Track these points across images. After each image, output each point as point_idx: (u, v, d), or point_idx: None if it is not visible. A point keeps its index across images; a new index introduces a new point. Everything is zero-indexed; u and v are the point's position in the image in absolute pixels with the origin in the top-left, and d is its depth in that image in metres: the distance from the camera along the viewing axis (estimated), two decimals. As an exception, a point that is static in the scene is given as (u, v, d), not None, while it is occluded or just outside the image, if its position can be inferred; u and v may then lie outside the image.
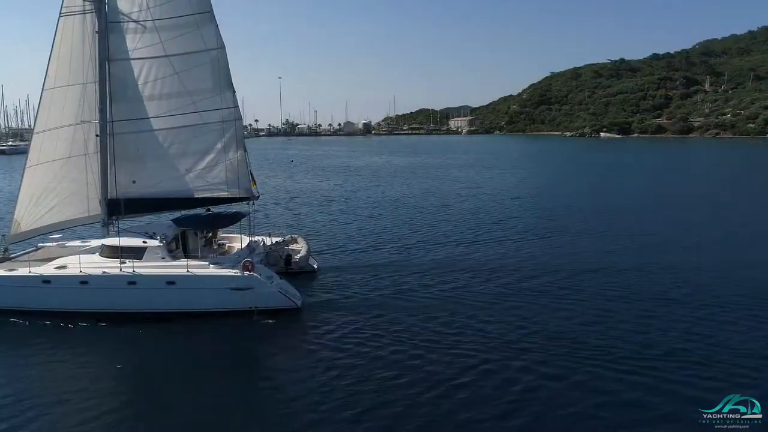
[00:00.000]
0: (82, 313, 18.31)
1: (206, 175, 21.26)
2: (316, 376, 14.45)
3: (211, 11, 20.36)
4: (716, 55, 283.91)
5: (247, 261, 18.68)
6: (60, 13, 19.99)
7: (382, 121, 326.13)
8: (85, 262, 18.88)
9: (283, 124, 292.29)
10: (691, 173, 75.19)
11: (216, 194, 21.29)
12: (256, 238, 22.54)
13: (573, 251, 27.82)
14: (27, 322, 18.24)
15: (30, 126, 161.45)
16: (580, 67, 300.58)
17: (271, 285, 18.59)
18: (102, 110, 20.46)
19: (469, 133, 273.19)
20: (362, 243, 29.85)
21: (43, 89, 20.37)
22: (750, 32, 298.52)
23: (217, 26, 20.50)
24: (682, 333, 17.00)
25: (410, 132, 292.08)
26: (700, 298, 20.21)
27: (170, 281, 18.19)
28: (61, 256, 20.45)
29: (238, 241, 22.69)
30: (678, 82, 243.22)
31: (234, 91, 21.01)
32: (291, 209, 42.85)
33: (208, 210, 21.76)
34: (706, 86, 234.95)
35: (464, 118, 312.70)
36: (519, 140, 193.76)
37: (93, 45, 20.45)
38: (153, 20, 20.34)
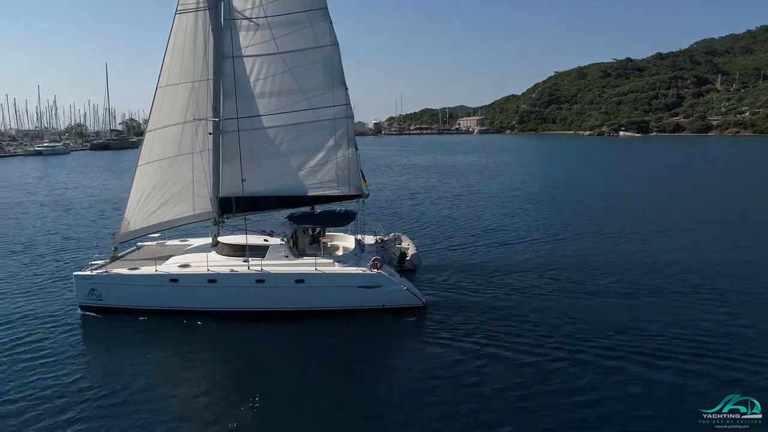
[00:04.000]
0: (208, 312, 18.23)
1: (317, 172, 21.13)
2: (453, 376, 14.33)
3: (325, 8, 20.19)
4: (719, 54, 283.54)
5: (376, 259, 18.55)
6: (176, 10, 19.88)
7: (385, 121, 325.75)
8: (207, 260, 18.75)
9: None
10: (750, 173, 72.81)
11: (326, 192, 21.14)
12: (359, 236, 22.39)
13: (688, 248, 27.69)
14: (154, 321, 18.18)
15: (46, 127, 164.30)
16: (584, 67, 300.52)
17: (400, 283, 18.45)
18: (216, 108, 20.36)
19: (481, 132, 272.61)
20: (455, 240, 30.10)
21: (156, 87, 20.28)
22: (749, 31, 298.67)
23: (331, 23, 20.34)
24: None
25: (420, 132, 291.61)
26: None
27: (299, 279, 18.06)
28: (162, 255, 20.38)
29: (341, 240, 22.58)
30: (689, 81, 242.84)
31: (346, 88, 20.85)
32: (382, 207, 42.17)
33: (313, 209, 21.65)
34: (718, 85, 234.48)
35: (472, 118, 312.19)
36: (537, 140, 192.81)
37: (205, 42, 20.34)
38: (266, 17, 20.20)
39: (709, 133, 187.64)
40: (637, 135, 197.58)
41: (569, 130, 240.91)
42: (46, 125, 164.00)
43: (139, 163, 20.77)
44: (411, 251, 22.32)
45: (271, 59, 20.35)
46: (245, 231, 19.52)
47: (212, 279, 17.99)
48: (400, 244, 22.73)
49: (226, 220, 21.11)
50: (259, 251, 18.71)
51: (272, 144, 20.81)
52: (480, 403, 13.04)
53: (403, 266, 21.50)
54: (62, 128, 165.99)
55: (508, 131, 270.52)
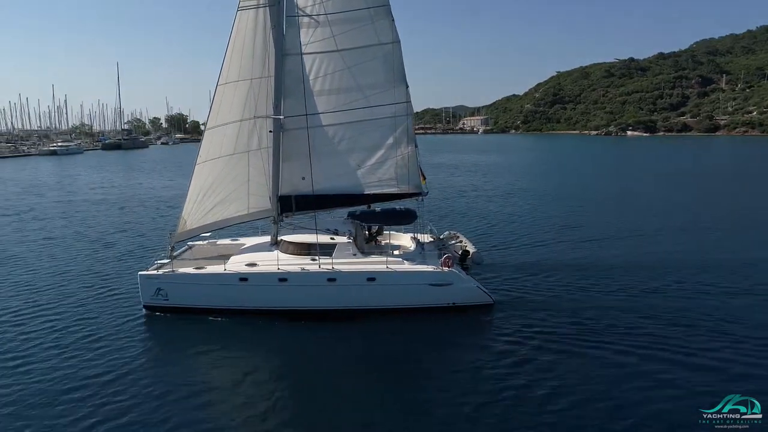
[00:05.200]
0: (276, 311, 18.06)
1: (376, 170, 20.93)
2: (527, 375, 14.26)
3: (387, 5, 19.97)
4: (721, 54, 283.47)
5: (448, 256, 18.40)
6: (238, 7, 19.69)
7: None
8: (272, 259, 18.58)
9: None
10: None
11: (385, 190, 20.94)
12: (416, 235, 22.18)
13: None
14: (221, 321, 18.00)
15: (53, 127, 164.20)
16: (587, 66, 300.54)
17: (470, 280, 18.29)
18: (277, 106, 20.18)
19: (486, 132, 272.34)
20: (510, 237, 30.28)
21: (216, 85, 20.10)
22: (749, 31, 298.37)
23: (393, 20, 20.14)
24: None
25: (424, 131, 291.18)
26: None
27: (370, 278, 17.88)
28: (217, 255, 20.19)
29: (395, 238, 22.37)
30: (694, 81, 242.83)
31: (407, 86, 20.67)
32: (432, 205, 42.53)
33: (369, 207, 21.47)
34: (723, 85, 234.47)
35: (476, 118, 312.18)
36: (545, 140, 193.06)
37: (264, 40, 20.14)
38: (326, 14, 19.99)
39: (717, 133, 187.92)
40: (645, 135, 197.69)
41: (574, 130, 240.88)
42: (49, 125, 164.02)
43: (197, 162, 20.60)
44: (471, 249, 22.14)
45: (332, 56, 20.17)
46: (311, 230, 19.37)
47: (283, 278, 17.79)
48: (456, 242, 22.51)
49: (285, 218, 20.91)
50: (326, 250, 18.53)
51: (332, 142, 20.62)
52: (551, 404, 12.86)
53: (465, 264, 21.33)
54: (67, 128, 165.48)
55: (513, 131, 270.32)
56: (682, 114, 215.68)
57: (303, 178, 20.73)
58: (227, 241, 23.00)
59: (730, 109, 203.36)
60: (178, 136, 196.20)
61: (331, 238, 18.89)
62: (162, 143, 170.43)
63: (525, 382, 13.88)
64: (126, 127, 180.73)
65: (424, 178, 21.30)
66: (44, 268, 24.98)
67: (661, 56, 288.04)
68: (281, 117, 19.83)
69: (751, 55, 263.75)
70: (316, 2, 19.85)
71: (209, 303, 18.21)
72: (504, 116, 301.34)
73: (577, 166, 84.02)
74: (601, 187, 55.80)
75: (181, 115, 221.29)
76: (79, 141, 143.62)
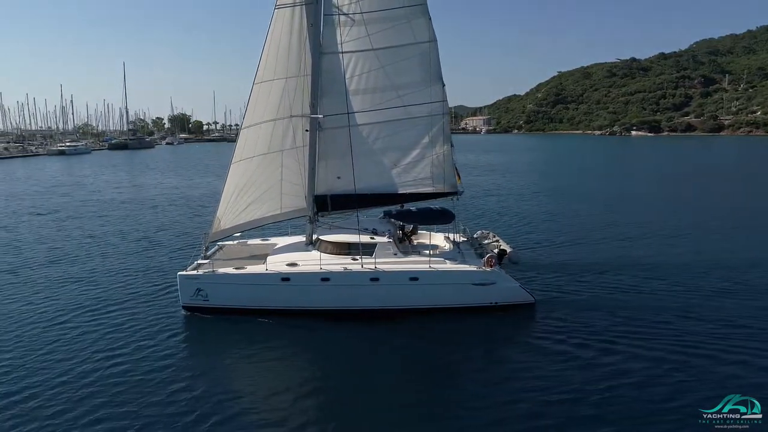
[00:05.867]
0: (317, 312, 17.96)
1: (411, 170, 20.84)
2: (574, 374, 14.18)
3: (424, 4, 19.86)
4: (722, 54, 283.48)
5: (491, 256, 18.32)
6: (275, 5, 19.59)
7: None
8: (312, 259, 18.49)
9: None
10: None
11: (420, 190, 20.86)
12: (449, 234, 22.07)
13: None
14: (262, 321, 17.85)
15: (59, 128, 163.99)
16: (588, 66, 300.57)
17: (513, 280, 18.20)
18: (314, 105, 20.07)
19: (489, 132, 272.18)
20: (542, 236, 30.37)
21: (253, 83, 19.99)
22: (749, 31, 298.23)
23: (430, 19, 20.04)
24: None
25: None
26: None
27: (413, 277, 17.78)
28: (250, 255, 20.10)
29: (427, 237, 22.25)
30: (696, 81, 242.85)
31: (443, 85, 20.57)
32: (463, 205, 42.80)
33: (402, 206, 21.38)
34: (725, 84, 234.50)
35: (479, 118, 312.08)
36: (551, 139, 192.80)
37: (300, 38, 20.02)
38: (362, 13, 19.89)
39: (721, 133, 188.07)
40: (649, 135, 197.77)
41: (577, 129, 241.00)
42: (57, 125, 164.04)
43: (232, 161, 20.51)
44: (507, 248, 22.01)
45: (368, 55, 20.06)
46: (348, 229, 19.29)
47: (325, 278, 17.68)
48: (492, 240, 22.38)
49: (320, 218, 20.82)
50: (367, 249, 18.43)
51: (367, 141, 20.53)
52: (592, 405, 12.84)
53: (502, 263, 21.19)
54: (71, 128, 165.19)
55: (515, 131, 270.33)
56: (686, 114, 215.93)
57: (338, 178, 20.66)
58: (257, 241, 22.90)
59: (733, 109, 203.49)
60: (182, 136, 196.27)
61: (371, 238, 18.78)
62: (167, 143, 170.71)
63: (567, 380, 13.83)
64: (129, 127, 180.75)
65: (459, 178, 21.21)
66: (86, 267, 24.86)
67: (663, 56, 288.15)
68: (320, 116, 19.70)
69: (753, 56, 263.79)
70: (353, 1, 19.79)
71: (250, 303, 18.09)
72: (506, 116, 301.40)
73: (595, 166, 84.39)
74: (627, 186, 56.12)
75: (184, 115, 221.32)
76: (85, 141, 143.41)
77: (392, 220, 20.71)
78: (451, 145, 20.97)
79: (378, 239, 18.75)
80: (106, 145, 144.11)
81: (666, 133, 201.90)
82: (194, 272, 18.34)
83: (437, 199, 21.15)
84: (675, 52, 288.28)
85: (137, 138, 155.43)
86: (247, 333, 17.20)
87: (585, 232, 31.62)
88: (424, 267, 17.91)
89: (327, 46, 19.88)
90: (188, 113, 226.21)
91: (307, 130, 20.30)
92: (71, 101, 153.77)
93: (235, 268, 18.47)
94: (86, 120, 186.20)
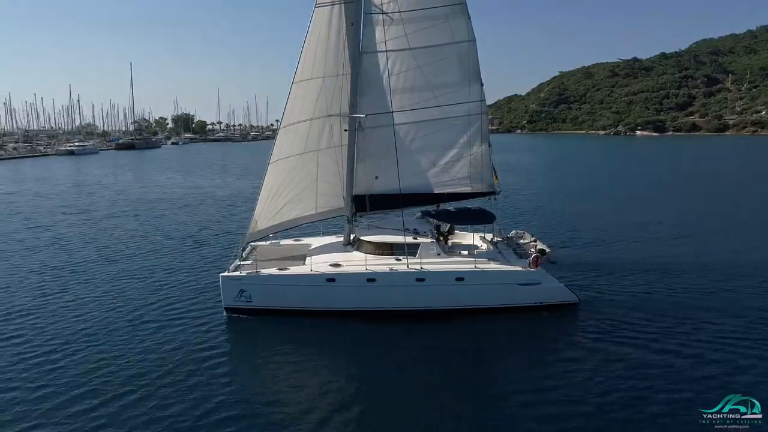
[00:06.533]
0: (363, 312, 17.87)
1: (449, 169, 20.83)
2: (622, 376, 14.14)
3: (464, 3, 19.81)
4: (723, 54, 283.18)
5: (536, 256, 18.26)
6: (315, 3, 19.49)
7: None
8: (355, 260, 18.41)
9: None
10: None
11: (458, 189, 20.83)
12: (483, 234, 22.00)
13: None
14: (308, 321, 17.75)
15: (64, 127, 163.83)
16: (590, 66, 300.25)
17: (556, 280, 18.13)
18: (353, 104, 19.99)
19: (491, 132, 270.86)
20: (576, 235, 30.58)
21: (292, 82, 19.90)
22: (749, 31, 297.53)
23: (469, 18, 19.97)
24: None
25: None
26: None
27: (459, 277, 17.71)
28: (286, 256, 19.97)
29: (461, 237, 22.19)
30: (699, 81, 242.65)
31: (482, 84, 20.51)
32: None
33: (438, 206, 21.31)
34: (728, 84, 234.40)
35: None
36: (557, 140, 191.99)
37: (338, 37, 19.91)
38: (400, 12, 19.83)
39: (726, 133, 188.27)
40: (654, 134, 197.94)
41: (580, 129, 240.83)
42: (68, 124, 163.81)
43: (270, 161, 20.40)
44: (546, 248, 21.93)
45: (407, 54, 20.00)
46: (389, 229, 19.24)
47: (371, 278, 17.60)
48: (530, 240, 22.30)
49: (358, 218, 20.75)
50: (410, 250, 18.34)
51: (405, 141, 20.46)
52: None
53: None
54: (74, 128, 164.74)
55: (518, 131, 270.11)
56: (690, 114, 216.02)
57: (376, 178, 20.61)
58: (290, 241, 22.77)
59: (738, 108, 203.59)
60: (186, 136, 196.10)
61: (414, 238, 18.70)
62: (172, 143, 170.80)
63: (612, 379, 13.89)
64: (132, 127, 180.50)
65: (497, 177, 21.14)
66: (127, 268, 24.85)
67: (664, 56, 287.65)
68: (362, 116, 19.62)
69: (754, 56, 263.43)
70: (392, 0, 19.71)
71: (294, 304, 18.01)
72: (509, 116, 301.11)
73: (611, 165, 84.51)
74: (652, 186, 56.28)
75: (187, 115, 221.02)
76: (93, 141, 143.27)
77: (430, 219, 20.61)
78: (489, 145, 20.91)
79: (421, 239, 18.68)
80: (113, 145, 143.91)
81: (671, 133, 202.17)
82: (237, 273, 18.21)
83: (474, 198, 21.10)
84: (676, 52, 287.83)
85: (144, 138, 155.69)
86: (293, 335, 17.16)
87: (615, 232, 31.60)
88: (470, 267, 17.84)
89: (366, 45, 19.81)
90: (191, 113, 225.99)
91: (346, 130, 20.22)
92: (78, 101, 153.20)
93: (278, 269, 18.37)
94: (92, 120, 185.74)
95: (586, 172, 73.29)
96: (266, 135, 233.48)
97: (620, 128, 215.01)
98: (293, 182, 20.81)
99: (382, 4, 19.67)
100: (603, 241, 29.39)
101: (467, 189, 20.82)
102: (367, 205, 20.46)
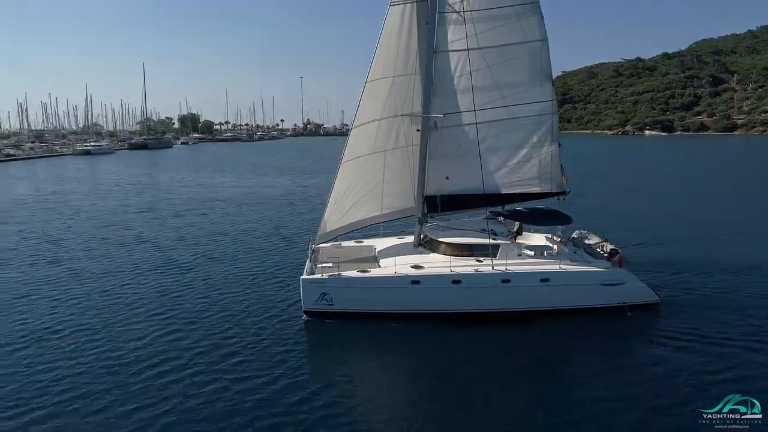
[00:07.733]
0: (447, 314, 17.78)
1: (519, 169, 20.72)
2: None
3: (536, 2, 19.67)
4: (725, 54, 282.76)
5: (621, 256, 18.16)
6: (390, 2, 19.37)
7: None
8: (434, 261, 18.30)
9: (307, 123, 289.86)
10: None
11: (528, 189, 20.71)
12: (551, 234, 21.85)
13: None
14: (391, 324, 17.59)
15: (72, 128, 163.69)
16: (593, 66, 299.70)
17: (638, 279, 18.05)
18: (426, 104, 19.89)
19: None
20: (639, 234, 30.38)
21: (366, 82, 19.78)
22: (750, 31, 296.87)
23: (542, 17, 19.85)
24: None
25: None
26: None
27: (544, 278, 17.60)
28: (345, 258, 19.72)
29: (531, 239, 22.00)
30: (704, 81, 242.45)
31: (553, 83, 20.41)
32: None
33: (504, 207, 21.20)
34: (734, 84, 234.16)
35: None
36: (564, 140, 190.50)
37: (409, 37, 19.80)
38: (471, 11, 19.71)
39: (734, 132, 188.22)
40: (663, 134, 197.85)
41: (586, 129, 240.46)
42: (71, 125, 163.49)
43: (342, 161, 20.27)
44: (617, 248, 21.80)
45: (478, 54, 19.88)
46: (464, 230, 19.19)
47: (456, 280, 17.47)
48: (600, 241, 22.16)
49: (429, 219, 20.64)
50: (492, 250, 18.21)
51: (475, 141, 20.31)
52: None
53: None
54: (80, 128, 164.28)
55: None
56: (698, 114, 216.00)
57: (447, 178, 20.51)
58: (351, 243, 22.57)
59: (745, 108, 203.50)
60: (195, 136, 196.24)
61: (494, 239, 18.59)
62: (182, 143, 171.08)
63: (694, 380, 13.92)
64: (138, 128, 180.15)
65: (565, 177, 21.01)
66: (202, 270, 24.63)
67: (666, 56, 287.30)
68: (441, 116, 19.50)
69: (756, 55, 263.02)
70: (464, -1, 19.58)
71: (377, 307, 17.85)
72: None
73: (647, 164, 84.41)
74: (702, 185, 56.62)
75: (193, 115, 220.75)
76: (107, 141, 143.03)
77: (501, 220, 20.47)
78: (559, 145, 20.80)
79: (500, 240, 18.57)
80: (126, 144, 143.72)
81: (679, 132, 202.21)
82: (319, 276, 17.98)
83: (542, 198, 20.99)
84: (678, 51, 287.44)
85: (156, 138, 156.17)
86: (376, 337, 17.04)
87: (679, 230, 31.81)
88: (555, 268, 17.73)
89: (441, 45, 19.71)
90: (197, 113, 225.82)
91: (418, 130, 20.11)
92: (90, 101, 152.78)
93: (360, 272, 18.22)
94: (103, 120, 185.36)
95: (622, 172, 73.23)
96: (272, 135, 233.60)
97: (628, 128, 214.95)
98: (360, 183, 20.69)
99: (455, 3, 19.57)
100: (668, 239, 29.49)
101: (537, 189, 20.73)
102: (438, 205, 20.34)
